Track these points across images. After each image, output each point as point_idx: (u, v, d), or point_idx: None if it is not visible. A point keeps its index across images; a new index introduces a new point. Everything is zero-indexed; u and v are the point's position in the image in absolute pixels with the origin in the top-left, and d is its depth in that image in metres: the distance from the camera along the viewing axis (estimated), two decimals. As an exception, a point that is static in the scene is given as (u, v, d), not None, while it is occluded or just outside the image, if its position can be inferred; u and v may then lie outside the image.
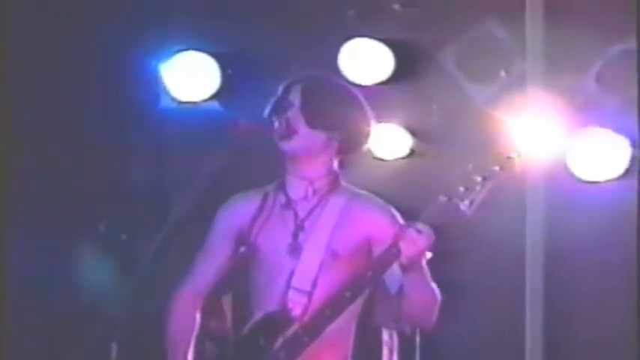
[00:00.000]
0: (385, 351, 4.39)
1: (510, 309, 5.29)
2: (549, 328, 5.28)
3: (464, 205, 3.62)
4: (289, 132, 3.85)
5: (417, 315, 3.83)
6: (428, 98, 5.42)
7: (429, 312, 3.83)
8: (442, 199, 3.62)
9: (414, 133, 5.39)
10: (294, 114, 3.85)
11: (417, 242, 3.62)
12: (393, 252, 3.65)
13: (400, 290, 3.75)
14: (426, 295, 3.79)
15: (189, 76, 5.41)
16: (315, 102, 3.87)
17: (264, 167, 4.12)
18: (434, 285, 3.81)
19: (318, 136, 3.86)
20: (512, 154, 3.66)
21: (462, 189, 3.62)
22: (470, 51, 5.32)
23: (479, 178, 3.62)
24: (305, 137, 3.85)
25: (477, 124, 5.17)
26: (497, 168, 3.64)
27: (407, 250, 3.62)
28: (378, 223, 3.85)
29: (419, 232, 3.63)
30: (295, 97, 3.87)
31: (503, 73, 5.27)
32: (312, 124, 3.84)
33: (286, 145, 3.87)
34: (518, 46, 5.26)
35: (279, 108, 3.89)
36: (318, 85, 3.94)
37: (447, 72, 5.36)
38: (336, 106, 3.91)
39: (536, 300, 5.28)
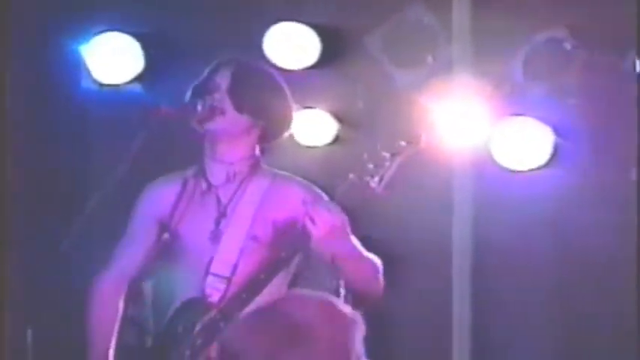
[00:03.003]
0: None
1: (436, 294, 5.28)
2: (477, 316, 5.28)
3: (374, 182, 3.61)
4: (214, 113, 3.82)
5: (360, 288, 3.82)
6: (354, 83, 5.38)
7: (373, 281, 3.83)
8: (352, 177, 3.61)
9: (339, 118, 5.35)
10: (222, 96, 3.83)
11: (326, 222, 3.60)
12: (303, 234, 3.64)
13: (329, 268, 3.74)
14: (360, 268, 3.79)
15: (112, 58, 5.30)
16: (244, 87, 3.86)
17: (185, 151, 4.07)
18: (368, 254, 3.81)
19: (243, 121, 3.85)
20: (421, 131, 3.66)
21: (371, 166, 3.61)
22: (397, 36, 5.29)
23: (386, 155, 3.61)
24: (230, 120, 3.84)
25: (403, 111, 5.14)
26: (403, 143, 3.63)
27: (316, 230, 3.60)
28: (300, 204, 3.83)
29: (328, 210, 3.62)
30: (223, 80, 3.86)
31: (429, 59, 5.25)
32: (239, 107, 3.83)
33: (211, 125, 3.83)
34: (444, 31, 5.24)
35: (204, 89, 3.86)
36: (248, 71, 3.94)
37: (374, 57, 5.33)
38: (263, 93, 3.92)
39: (463, 287, 5.27)
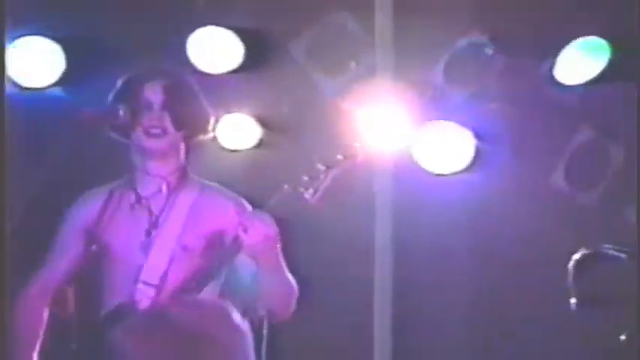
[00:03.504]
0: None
1: (358, 299, 5.31)
2: (397, 316, 5.32)
3: (308, 194, 3.63)
4: (156, 132, 3.83)
5: (273, 305, 3.85)
6: (278, 88, 5.39)
7: (285, 302, 3.85)
8: (286, 188, 3.63)
9: (263, 123, 5.36)
10: (160, 115, 3.83)
11: (259, 231, 3.62)
12: (236, 242, 3.65)
13: (254, 279, 3.75)
14: (279, 285, 3.81)
15: (33, 62, 5.25)
16: (179, 104, 3.87)
17: (109, 160, 4.06)
18: (289, 275, 3.83)
19: (179, 136, 3.88)
20: (356, 143, 3.68)
21: (305, 178, 3.63)
22: (320, 42, 5.32)
23: (322, 167, 3.64)
24: (171, 139, 3.85)
25: (326, 115, 5.18)
26: (340, 157, 3.66)
27: (249, 239, 3.62)
28: (229, 215, 3.86)
29: (261, 220, 3.63)
30: (156, 96, 3.86)
31: (353, 65, 5.28)
32: (178, 126, 3.85)
33: (152, 144, 3.84)
34: (367, 37, 5.28)
35: (133, 102, 3.85)
36: (177, 85, 3.94)
37: (298, 62, 5.35)
38: (190, 107, 3.92)
39: (384, 291, 5.31)
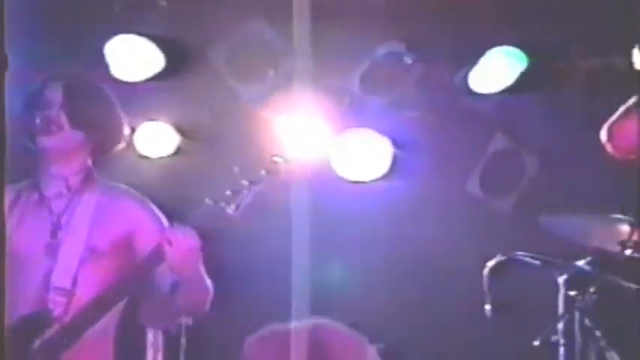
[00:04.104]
0: (150, 351, 4.34)
1: (276, 311, 5.31)
2: (315, 326, 5.32)
3: (230, 209, 3.62)
4: (50, 129, 3.78)
5: (190, 308, 3.86)
6: (196, 96, 5.39)
7: (202, 305, 3.86)
8: (208, 202, 3.62)
9: (181, 131, 5.34)
10: (57, 112, 3.79)
11: (182, 245, 3.61)
12: (158, 255, 3.63)
13: (174, 288, 3.74)
14: (199, 291, 3.81)
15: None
16: (78, 102, 3.82)
17: (19, 163, 4.02)
18: (208, 280, 3.83)
19: (77, 136, 3.83)
20: (278, 157, 3.68)
21: (228, 193, 3.63)
22: (239, 50, 5.32)
23: (246, 183, 3.63)
24: (66, 136, 3.80)
25: (244, 123, 5.18)
26: (263, 172, 3.66)
27: (172, 253, 3.61)
28: (136, 217, 3.84)
29: (184, 234, 3.62)
30: (55, 95, 3.81)
31: (271, 72, 5.29)
32: (74, 124, 3.80)
33: (46, 142, 3.79)
34: (285, 45, 5.29)
35: (38, 104, 3.82)
36: (79, 85, 3.90)
37: (216, 70, 5.34)
38: (95, 107, 3.89)
39: (302, 301, 5.31)
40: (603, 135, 3.54)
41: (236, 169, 3.62)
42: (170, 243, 3.60)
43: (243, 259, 5.24)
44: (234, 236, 4.93)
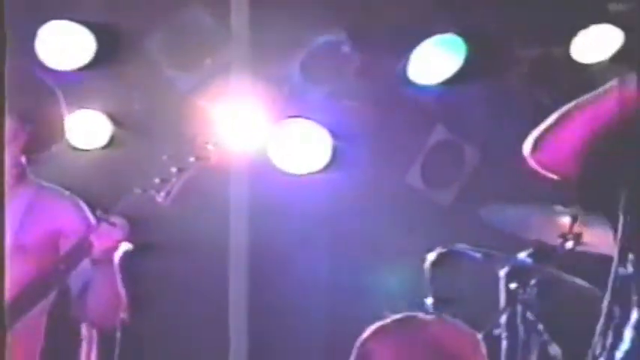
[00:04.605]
0: (84, 346, 4.27)
1: (213, 301, 5.25)
2: (253, 319, 5.27)
3: (160, 197, 3.56)
4: None
5: (100, 313, 3.77)
6: (131, 85, 5.28)
7: (112, 312, 3.79)
8: (137, 190, 3.56)
9: (115, 120, 5.23)
10: None
11: (110, 235, 3.55)
12: (84, 246, 3.57)
13: (85, 287, 3.67)
14: (111, 293, 3.74)
15: None
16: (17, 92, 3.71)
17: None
18: (121, 287, 3.77)
19: (9, 126, 3.71)
20: (209, 145, 3.62)
21: (157, 180, 3.56)
22: (175, 38, 5.23)
23: (174, 169, 3.57)
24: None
25: (181, 113, 5.09)
26: (192, 159, 3.60)
27: (99, 243, 3.55)
28: (65, 216, 3.78)
29: (112, 224, 3.56)
30: None
31: (208, 61, 5.20)
32: (10, 113, 3.69)
33: None
34: (223, 34, 5.21)
35: None
36: (15, 70, 3.78)
37: (152, 58, 5.24)
38: (32, 98, 3.78)
39: (239, 291, 5.26)
40: (526, 146, 3.46)
41: (165, 157, 3.57)
42: (96, 234, 3.54)
43: (179, 248, 5.15)
44: (167, 225, 4.85)
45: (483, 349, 2.09)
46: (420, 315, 2.15)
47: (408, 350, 2.12)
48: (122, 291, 3.78)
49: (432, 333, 2.17)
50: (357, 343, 2.19)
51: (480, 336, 3.50)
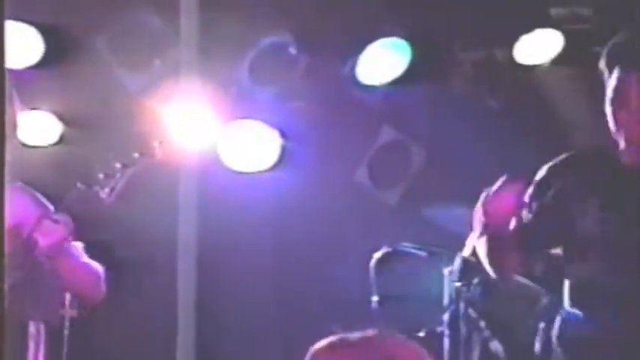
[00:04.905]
0: (31, 345, 4.26)
1: (162, 298, 5.26)
2: (201, 318, 5.29)
3: (104, 193, 3.57)
4: None
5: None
6: (80, 84, 5.28)
7: (93, 288, 3.79)
8: (80, 186, 3.56)
9: (64, 120, 5.24)
10: None
11: (54, 232, 3.55)
12: (29, 244, 3.57)
13: (32, 285, 3.67)
14: (81, 276, 3.75)
15: None
16: None
17: None
18: (91, 261, 3.77)
19: None
20: (154, 142, 3.64)
21: (101, 176, 3.57)
22: (124, 38, 5.24)
23: (119, 166, 3.58)
24: None
25: (130, 113, 5.09)
26: (136, 155, 3.62)
27: (44, 240, 3.55)
28: (27, 213, 3.76)
29: (55, 221, 3.56)
30: None
31: (157, 62, 5.22)
32: None
33: None
34: (172, 34, 5.22)
35: None
36: None
37: (101, 58, 5.25)
38: None
39: (188, 290, 5.28)
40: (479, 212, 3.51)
41: (110, 154, 3.58)
42: (41, 232, 3.55)
43: (127, 245, 5.16)
44: (114, 221, 4.86)
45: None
46: (375, 333, 2.18)
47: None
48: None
49: (386, 349, 2.20)
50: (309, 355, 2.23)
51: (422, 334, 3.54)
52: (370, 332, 2.31)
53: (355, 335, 2.30)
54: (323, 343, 2.34)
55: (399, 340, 2.32)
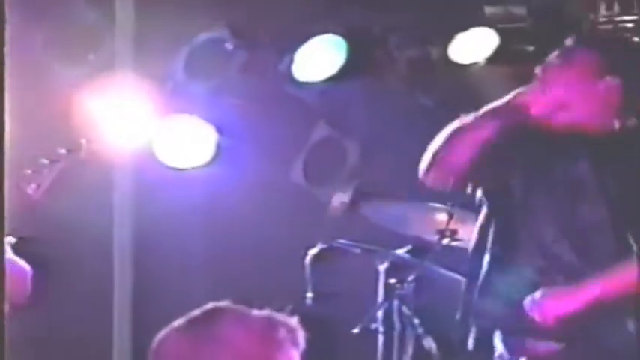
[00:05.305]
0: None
1: (97, 296, 5.23)
2: (137, 317, 5.26)
3: (31, 189, 3.53)
4: None
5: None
6: (15, 78, 5.21)
7: (17, 285, 3.76)
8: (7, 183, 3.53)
9: (-4, 114, 5.17)
10: None
11: None
12: None
13: None
14: (5, 270, 3.71)
15: None
16: None
17: None
18: (17, 258, 3.74)
19: None
20: (83, 140, 3.61)
21: (29, 172, 3.53)
22: (58, 31, 5.19)
23: (46, 162, 3.54)
24: None
25: (63, 108, 5.05)
26: (63, 151, 3.58)
27: None
28: None
29: None
30: None
31: (91, 57, 5.18)
32: None
33: None
34: (107, 29, 5.18)
35: None
36: None
37: (36, 52, 5.19)
38: None
39: (124, 288, 5.25)
40: (423, 165, 3.58)
41: (39, 149, 3.53)
42: None
43: (61, 241, 5.12)
44: (46, 218, 4.81)
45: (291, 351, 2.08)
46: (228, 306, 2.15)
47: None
48: (22, 263, 3.74)
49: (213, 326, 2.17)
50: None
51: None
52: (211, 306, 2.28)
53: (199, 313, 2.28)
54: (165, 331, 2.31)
55: (237, 315, 2.29)
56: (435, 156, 3.56)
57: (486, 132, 3.50)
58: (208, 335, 2.27)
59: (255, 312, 2.33)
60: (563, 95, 3.45)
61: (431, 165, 3.58)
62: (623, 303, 3.32)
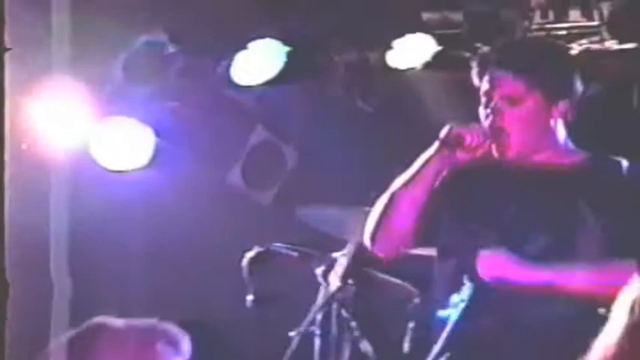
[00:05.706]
0: None
1: (34, 299, 5.19)
2: (75, 313, 5.23)
3: None
4: None
5: None
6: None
7: None
8: None
9: None
10: None
11: None
12: None
13: None
14: None
15: None
16: None
17: None
18: None
19: None
20: (24, 146, 3.59)
21: None
22: (-5, 34, 5.14)
23: None
24: None
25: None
26: (6, 158, 3.56)
27: None
28: None
29: None
30: None
31: (29, 59, 5.13)
32: None
33: None
34: (43, 31, 5.14)
35: None
36: None
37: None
38: None
39: (62, 290, 5.21)
40: (368, 231, 3.57)
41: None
42: None
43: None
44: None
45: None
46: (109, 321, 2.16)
47: None
48: None
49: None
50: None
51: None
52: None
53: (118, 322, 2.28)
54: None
55: (114, 332, 2.28)
56: (378, 224, 3.52)
57: (426, 186, 3.48)
58: (84, 356, 2.27)
59: (138, 323, 2.32)
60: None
61: (375, 233, 3.54)
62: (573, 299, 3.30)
